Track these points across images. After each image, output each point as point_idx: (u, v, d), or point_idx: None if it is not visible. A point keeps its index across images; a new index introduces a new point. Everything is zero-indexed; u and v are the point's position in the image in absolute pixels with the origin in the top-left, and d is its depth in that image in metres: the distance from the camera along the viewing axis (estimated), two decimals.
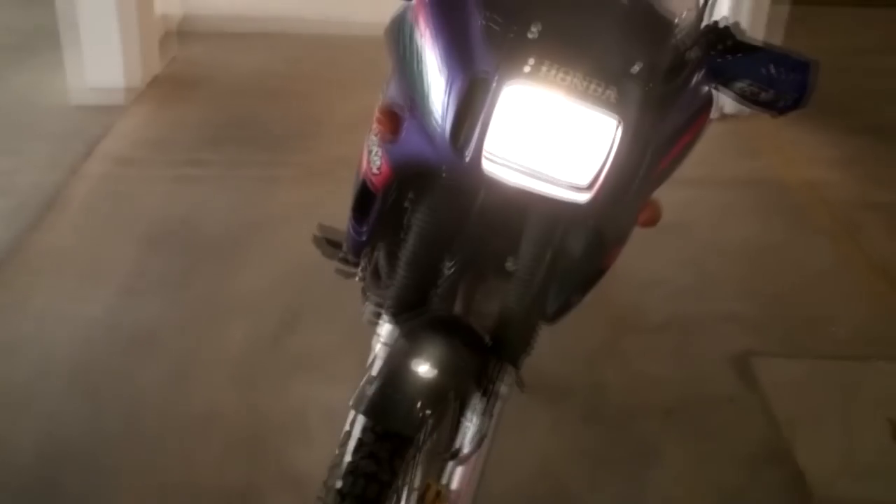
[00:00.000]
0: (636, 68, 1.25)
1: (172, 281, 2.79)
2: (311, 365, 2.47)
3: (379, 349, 1.52)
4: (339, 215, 3.06)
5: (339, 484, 1.29)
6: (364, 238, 1.67)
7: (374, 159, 1.51)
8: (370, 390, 1.33)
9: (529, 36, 1.25)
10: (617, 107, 1.23)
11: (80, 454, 2.15)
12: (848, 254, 3.12)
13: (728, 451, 2.26)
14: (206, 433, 2.23)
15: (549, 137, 1.26)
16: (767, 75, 1.40)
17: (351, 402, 1.37)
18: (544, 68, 1.23)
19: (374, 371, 1.48)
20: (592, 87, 1.23)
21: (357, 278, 2.06)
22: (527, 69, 1.23)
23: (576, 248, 1.50)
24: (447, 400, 1.37)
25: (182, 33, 4.68)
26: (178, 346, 2.52)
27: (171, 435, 2.22)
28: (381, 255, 1.88)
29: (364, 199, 1.61)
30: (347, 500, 1.26)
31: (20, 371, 2.40)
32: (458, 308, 1.70)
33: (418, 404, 1.31)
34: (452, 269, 1.58)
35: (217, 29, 4.74)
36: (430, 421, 1.32)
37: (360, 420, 1.34)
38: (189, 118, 3.88)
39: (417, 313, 1.51)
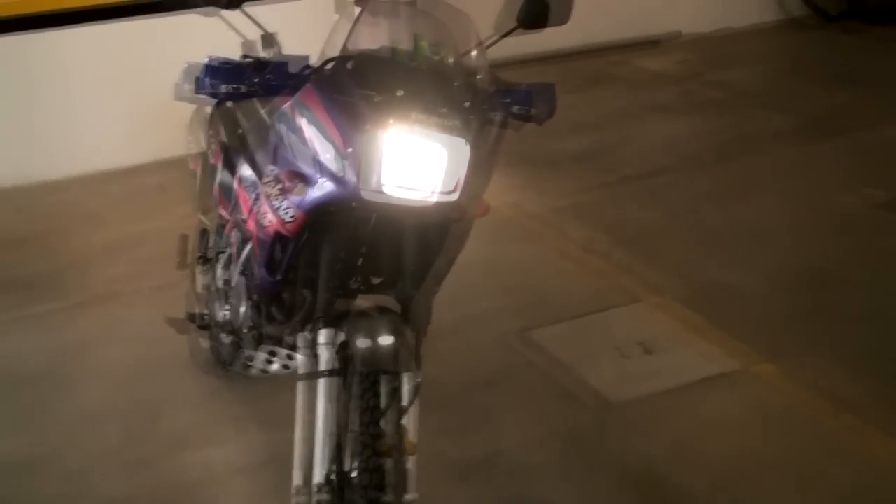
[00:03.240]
0: (466, 104, 1.89)
1: (18, 411, 2.96)
2: (190, 436, 2.80)
3: (323, 350, 1.98)
4: (150, 320, 3.42)
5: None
6: (279, 278, 2.13)
7: (284, 213, 2.01)
8: (360, 354, 1.82)
9: (398, 96, 1.84)
10: (462, 131, 1.86)
11: None
12: (562, 244, 3.99)
13: (542, 393, 2.94)
14: None
15: (423, 161, 1.85)
16: (531, 99, 2.11)
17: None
18: (412, 115, 1.83)
19: (327, 366, 1.95)
20: (445, 121, 1.85)
21: (244, 329, 2.50)
22: (401, 117, 1.82)
23: (440, 243, 2.09)
24: (407, 347, 1.89)
25: None
26: (55, 458, 2.72)
27: None
28: (272, 306, 2.35)
29: (274, 249, 2.09)
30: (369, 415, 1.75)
31: None
32: None
33: (398, 349, 1.83)
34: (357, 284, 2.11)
35: None
36: (410, 359, 1.84)
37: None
38: None
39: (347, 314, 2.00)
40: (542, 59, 6.54)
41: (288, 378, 2.71)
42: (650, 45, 7.04)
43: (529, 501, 2.49)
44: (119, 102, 5.02)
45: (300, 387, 2.05)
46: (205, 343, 2.93)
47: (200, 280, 3.04)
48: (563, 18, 2.16)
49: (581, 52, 6.83)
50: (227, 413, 2.91)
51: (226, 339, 2.87)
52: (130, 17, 4.89)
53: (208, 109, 2.89)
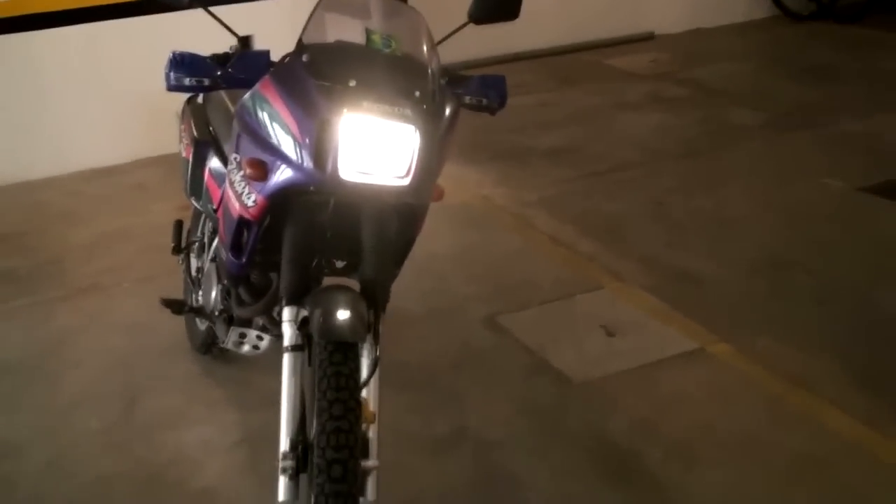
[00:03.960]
0: (417, 94, 2.00)
1: (0, 398, 3.04)
2: (168, 419, 2.90)
3: (286, 327, 2.08)
4: (130, 311, 3.52)
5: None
6: (245, 260, 2.24)
7: (247, 199, 2.11)
8: (318, 325, 1.92)
9: (350, 85, 1.95)
10: (412, 119, 1.96)
11: None
12: (530, 235, 4.11)
13: (508, 375, 3.05)
14: (109, 488, 2.60)
15: (376, 147, 1.96)
16: (482, 90, 2.23)
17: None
18: (365, 103, 1.93)
19: (290, 341, 2.05)
20: (396, 109, 1.95)
21: (216, 312, 2.60)
22: (354, 105, 1.92)
23: (397, 226, 2.20)
24: (367, 321, 1.99)
25: None
26: (38, 441, 2.82)
27: (77, 500, 2.56)
28: (240, 289, 2.45)
29: (239, 233, 2.20)
30: (327, 382, 1.86)
31: None
32: None
33: (354, 321, 1.93)
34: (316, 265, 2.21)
35: None
36: (364, 330, 1.94)
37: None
38: None
39: (312, 291, 2.10)
40: (515, 59, 6.69)
41: (263, 361, 2.83)
42: (622, 44, 7.18)
43: (493, 473, 2.60)
44: (98, 104, 5.11)
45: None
46: (201, 325, 3.03)
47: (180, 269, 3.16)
48: (513, 14, 2.28)
49: (554, 52, 6.97)
50: (204, 397, 3.00)
51: (201, 324, 2.98)
52: (109, 19, 4.99)
53: (199, 100, 2.97)
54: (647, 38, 7.40)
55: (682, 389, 2.95)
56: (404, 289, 3.45)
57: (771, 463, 2.61)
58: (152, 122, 4.99)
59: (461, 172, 4.79)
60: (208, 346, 3.05)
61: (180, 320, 3.24)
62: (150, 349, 3.29)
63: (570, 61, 6.89)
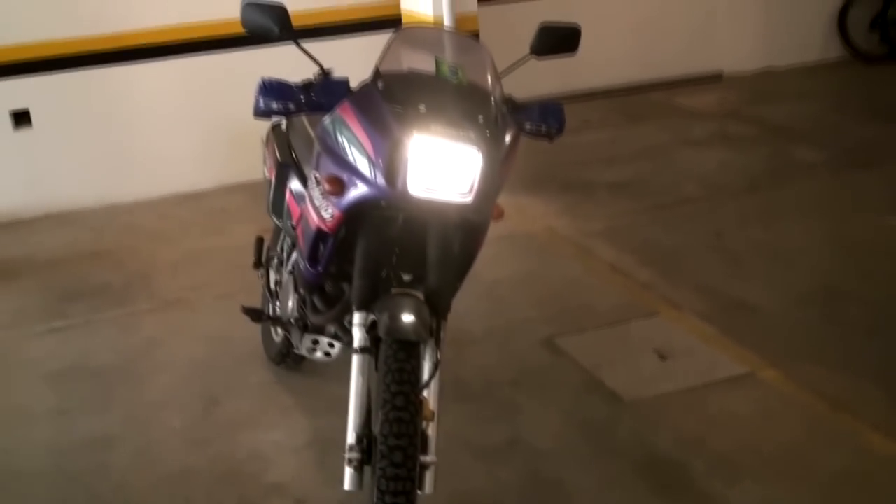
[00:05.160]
0: (480, 120, 2.21)
1: (95, 397, 3.33)
2: (244, 421, 3.14)
3: (356, 330, 2.30)
4: (211, 324, 3.78)
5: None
6: (321, 270, 2.47)
7: (325, 212, 2.34)
8: (385, 326, 2.13)
9: (421, 111, 2.18)
10: (476, 142, 2.17)
11: None
12: (591, 264, 4.27)
13: (562, 391, 3.21)
14: (188, 481, 2.83)
15: (442, 167, 2.17)
16: (542, 118, 2.43)
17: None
18: (433, 126, 2.15)
19: (359, 344, 2.27)
20: (461, 133, 2.17)
21: (292, 321, 2.83)
22: (423, 128, 2.15)
23: (460, 242, 2.40)
24: (429, 325, 2.19)
25: None
26: (127, 436, 3.08)
27: (161, 488, 2.80)
28: (315, 298, 2.68)
29: (317, 245, 2.43)
30: (391, 377, 2.06)
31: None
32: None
33: (417, 324, 2.13)
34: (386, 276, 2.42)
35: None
36: (427, 333, 2.14)
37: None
38: (29, 288, 4.35)
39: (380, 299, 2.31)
40: (587, 98, 6.88)
41: (331, 372, 3.06)
42: (692, 84, 7.31)
43: (542, 479, 2.76)
44: (186, 133, 5.48)
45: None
46: (277, 337, 3.28)
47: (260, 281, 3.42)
48: (572, 49, 2.49)
49: (624, 90, 7.14)
50: (277, 402, 3.24)
51: (276, 336, 3.22)
52: (200, 53, 5.36)
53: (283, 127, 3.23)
54: (717, 78, 7.52)
55: (729, 410, 3.07)
56: (468, 311, 3.66)
57: (813, 481, 2.71)
58: (236, 151, 5.31)
59: (527, 203, 4.99)
60: (283, 357, 3.29)
61: (257, 334, 3.50)
62: (229, 359, 3.55)
63: (639, 100, 7.05)
